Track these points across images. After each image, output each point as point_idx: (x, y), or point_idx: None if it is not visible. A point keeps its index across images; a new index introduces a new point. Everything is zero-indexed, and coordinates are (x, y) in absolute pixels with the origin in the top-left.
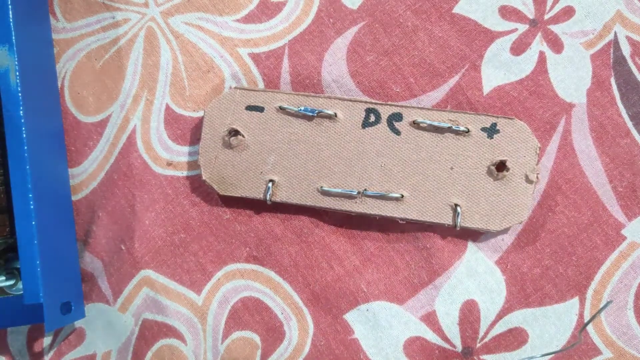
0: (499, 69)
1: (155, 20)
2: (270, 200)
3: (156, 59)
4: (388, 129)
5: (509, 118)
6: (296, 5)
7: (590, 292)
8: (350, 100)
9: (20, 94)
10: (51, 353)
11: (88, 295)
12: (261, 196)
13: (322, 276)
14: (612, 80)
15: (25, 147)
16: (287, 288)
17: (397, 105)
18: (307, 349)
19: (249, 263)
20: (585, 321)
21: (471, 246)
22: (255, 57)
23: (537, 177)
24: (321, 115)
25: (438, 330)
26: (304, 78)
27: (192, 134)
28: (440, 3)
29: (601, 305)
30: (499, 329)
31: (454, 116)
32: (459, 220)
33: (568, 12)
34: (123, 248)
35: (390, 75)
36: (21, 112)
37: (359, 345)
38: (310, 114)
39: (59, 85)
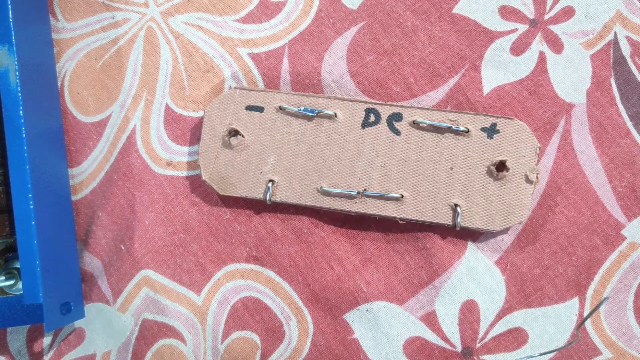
0: (498, 69)
1: (155, 20)
2: (270, 200)
3: (156, 59)
4: (388, 129)
5: (508, 118)
6: (296, 5)
7: (590, 292)
8: (350, 100)
9: (20, 94)
10: (51, 353)
11: (88, 295)
12: (261, 196)
13: (322, 276)
14: (612, 80)
15: (25, 147)
16: (287, 288)
17: (397, 105)
18: (307, 349)
19: (248, 263)
20: (583, 318)
21: (471, 246)
22: (255, 57)
23: (537, 177)
24: (321, 115)
25: (438, 330)
26: (304, 78)
27: (192, 134)
28: (440, 3)
29: (598, 303)
30: (499, 329)
31: (453, 116)
32: (459, 220)
33: (568, 12)
34: (123, 248)
35: (390, 75)
36: (21, 112)
37: (359, 345)
38: (310, 114)
39: (59, 85)
